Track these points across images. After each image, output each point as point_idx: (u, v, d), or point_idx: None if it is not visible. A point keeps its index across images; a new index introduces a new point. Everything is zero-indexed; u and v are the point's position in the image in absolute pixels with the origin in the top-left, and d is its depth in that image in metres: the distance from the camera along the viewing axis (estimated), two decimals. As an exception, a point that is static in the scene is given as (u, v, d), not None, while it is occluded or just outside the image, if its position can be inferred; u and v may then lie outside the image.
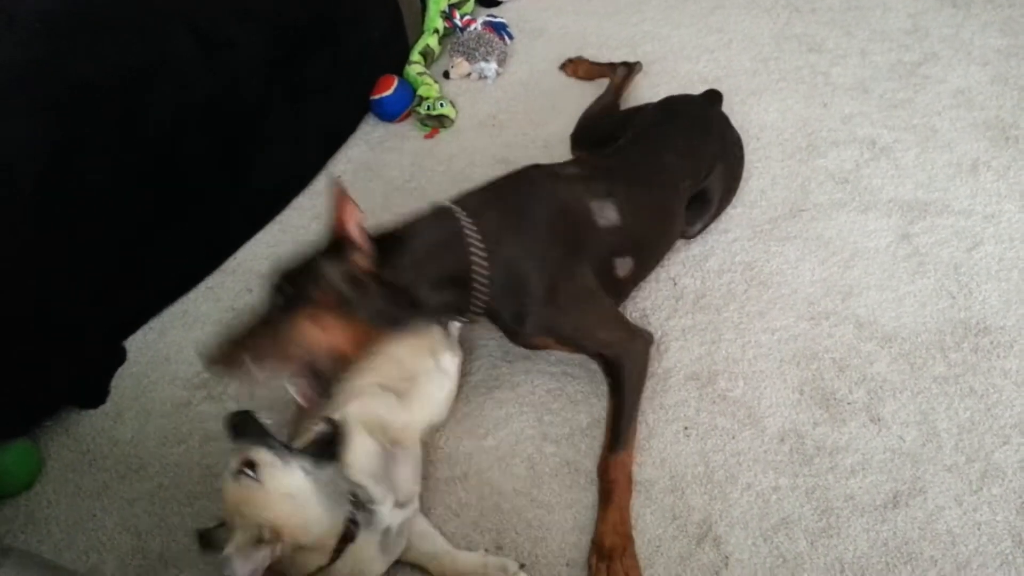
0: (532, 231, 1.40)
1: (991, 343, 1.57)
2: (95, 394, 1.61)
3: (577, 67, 2.33)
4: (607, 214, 1.50)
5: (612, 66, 2.23)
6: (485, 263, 1.35)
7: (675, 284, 1.73)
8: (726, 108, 2.11)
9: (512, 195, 1.45)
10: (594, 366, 1.59)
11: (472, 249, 1.34)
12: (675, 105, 1.87)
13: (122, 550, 1.43)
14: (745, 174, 1.91)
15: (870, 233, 1.79)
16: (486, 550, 1.36)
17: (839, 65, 2.23)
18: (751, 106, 2.13)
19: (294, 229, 1.94)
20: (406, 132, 2.19)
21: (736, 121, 2.03)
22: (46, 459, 1.54)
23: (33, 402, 1.54)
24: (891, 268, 1.72)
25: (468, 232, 1.35)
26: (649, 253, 1.66)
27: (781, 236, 1.80)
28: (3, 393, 1.47)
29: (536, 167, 1.54)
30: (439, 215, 1.37)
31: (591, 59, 2.33)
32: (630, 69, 2.19)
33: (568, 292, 1.41)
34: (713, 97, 2.00)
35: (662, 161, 1.66)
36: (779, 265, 1.74)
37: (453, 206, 1.38)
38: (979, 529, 1.34)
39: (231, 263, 1.87)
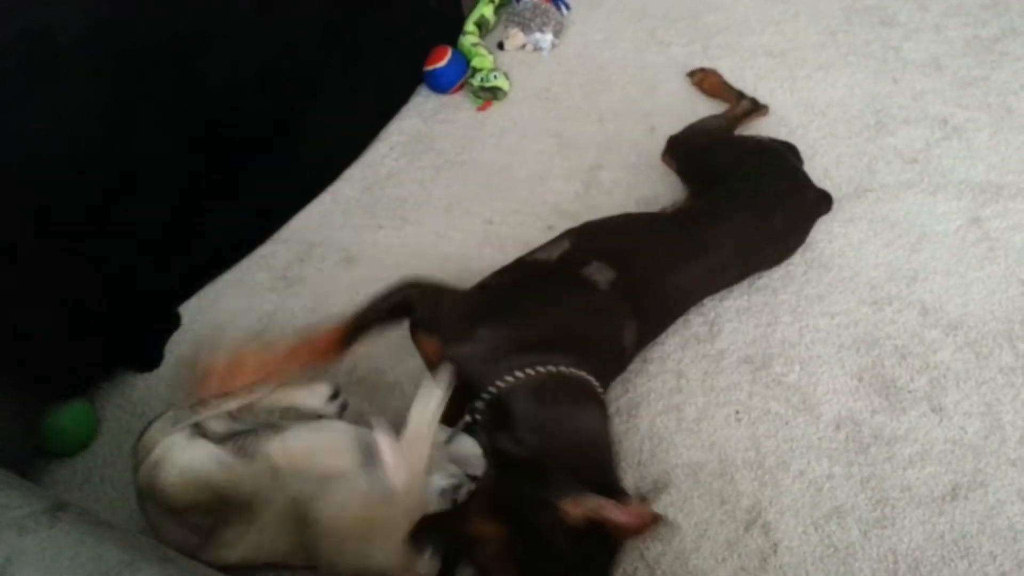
0: None
1: (1064, 334, 1.50)
2: (150, 358, 1.64)
3: (705, 79, 2.09)
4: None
5: (740, 95, 1.98)
6: None
7: (730, 264, 1.69)
8: (790, 83, 2.05)
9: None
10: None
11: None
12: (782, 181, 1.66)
13: (174, 511, 1.46)
14: (809, 152, 1.84)
15: (939, 216, 1.72)
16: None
17: (911, 40, 2.13)
18: (817, 81, 2.05)
19: (345, 200, 1.95)
20: (459, 104, 2.17)
21: (802, 97, 1.97)
22: (102, 420, 1.57)
23: (90, 364, 1.58)
24: (960, 253, 1.65)
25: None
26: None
27: (845, 217, 1.73)
28: (61, 355, 1.51)
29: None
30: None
31: (723, 78, 2.07)
32: (754, 108, 1.95)
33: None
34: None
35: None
36: (841, 247, 1.68)
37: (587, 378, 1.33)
38: (1043, 526, 1.29)
39: (284, 232, 1.88)
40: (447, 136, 2.09)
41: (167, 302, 1.71)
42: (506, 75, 2.18)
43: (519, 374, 1.29)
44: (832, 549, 1.29)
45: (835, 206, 1.75)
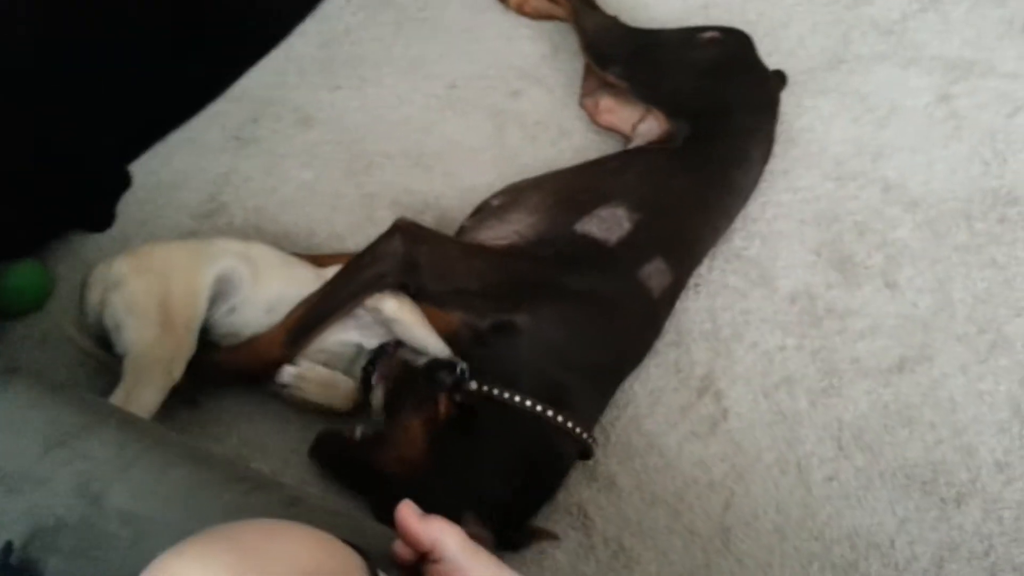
0: None
1: (1018, 214, 1.53)
2: (102, 217, 1.58)
3: None
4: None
5: None
6: None
7: (698, 135, 1.66)
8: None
9: None
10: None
11: None
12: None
13: (131, 372, 1.45)
14: (785, 19, 1.79)
15: (909, 91, 1.70)
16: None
17: (897, -100, 2.04)
18: (797, -57, 1.96)
19: (299, 57, 1.84)
20: (422, -45, 2.04)
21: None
22: (56, 281, 1.53)
23: (39, 223, 1.52)
24: (926, 130, 1.65)
25: None
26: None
27: (816, 89, 1.70)
28: (8, 213, 1.45)
29: None
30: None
31: None
32: None
33: None
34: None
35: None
36: (810, 121, 1.66)
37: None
38: (981, 398, 1.35)
39: (236, 90, 1.79)
40: (408, -10, 1.97)
41: (117, 161, 1.64)
42: (473, -76, 2.04)
43: (519, 399, 1.19)
44: (780, 416, 1.34)
45: (807, 77, 1.72)
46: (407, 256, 1.26)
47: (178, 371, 1.22)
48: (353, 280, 1.26)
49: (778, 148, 1.62)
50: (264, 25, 1.86)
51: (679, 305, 1.44)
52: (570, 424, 1.21)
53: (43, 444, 0.75)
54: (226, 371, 1.29)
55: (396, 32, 1.89)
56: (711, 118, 1.49)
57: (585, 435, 1.24)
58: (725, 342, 1.42)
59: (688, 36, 1.62)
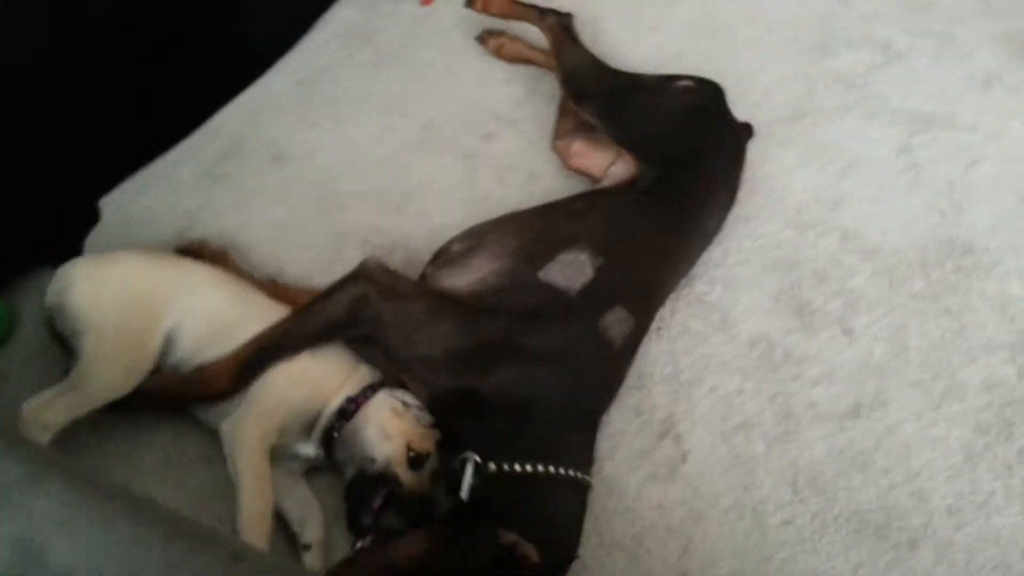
0: None
1: (973, 264, 1.57)
2: (68, 253, 1.58)
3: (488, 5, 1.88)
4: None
5: (539, 11, 1.82)
6: None
7: (664, 181, 1.69)
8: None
9: None
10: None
11: None
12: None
13: (95, 407, 1.45)
14: (752, 71, 1.84)
15: (871, 142, 1.75)
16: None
17: (864, -41, 2.10)
18: (767, -5, 2.02)
19: (277, 94, 1.87)
20: (402, -4, 2.08)
21: (750, 10, 1.93)
22: (20, 317, 1.53)
23: (4, 258, 1.52)
24: (886, 180, 1.69)
25: None
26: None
27: (780, 140, 1.75)
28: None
29: None
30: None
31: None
32: (566, 17, 1.80)
33: None
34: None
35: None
36: (773, 169, 1.70)
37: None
38: (934, 444, 1.38)
39: (211, 124, 1.80)
40: (387, 30, 2.00)
41: (86, 196, 1.65)
42: (451, -32, 2.08)
43: (512, 467, 1.17)
44: (738, 460, 1.36)
45: (773, 128, 1.76)
46: (375, 315, 1.24)
47: (110, 398, 1.23)
48: (314, 322, 1.25)
49: (741, 195, 1.65)
50: (242, 61, 1.88)
51: (641, 348, 1.46)
52: (571, 472, 1.21)
53: (-15, 497, 0.74)
54: (169, 397, 1.28)
55: (373, 72, 1.92)
56: (680, 164, 1.51)
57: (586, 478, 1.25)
58: (685, 386, 1.44)
59: (664, 83, 1.66)
